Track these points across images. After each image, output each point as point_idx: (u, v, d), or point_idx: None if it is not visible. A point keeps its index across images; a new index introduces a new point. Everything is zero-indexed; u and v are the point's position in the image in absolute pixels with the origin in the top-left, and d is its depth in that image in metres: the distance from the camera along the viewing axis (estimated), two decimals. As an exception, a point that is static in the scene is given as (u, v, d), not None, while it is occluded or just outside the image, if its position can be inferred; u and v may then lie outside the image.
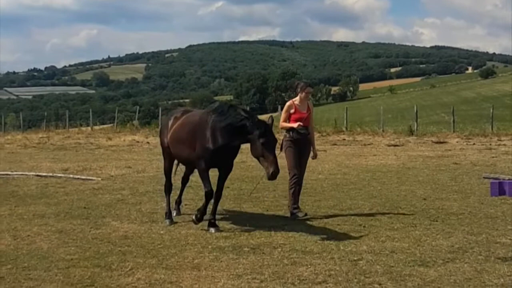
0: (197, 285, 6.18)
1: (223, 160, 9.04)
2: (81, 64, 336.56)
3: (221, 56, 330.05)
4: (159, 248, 7.78)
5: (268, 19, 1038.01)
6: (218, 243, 8.00)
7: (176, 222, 9.55)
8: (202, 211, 9.03)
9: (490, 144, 25.16)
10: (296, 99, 10.25)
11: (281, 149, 10.07)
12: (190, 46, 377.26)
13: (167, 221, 9.49)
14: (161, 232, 8.75)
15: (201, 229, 8.85)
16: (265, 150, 8.40)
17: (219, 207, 9.55)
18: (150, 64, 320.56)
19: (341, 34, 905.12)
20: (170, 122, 9.92)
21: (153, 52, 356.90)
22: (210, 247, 7.78)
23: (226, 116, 8.74)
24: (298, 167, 10.07)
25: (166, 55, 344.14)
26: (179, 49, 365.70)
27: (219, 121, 8.75)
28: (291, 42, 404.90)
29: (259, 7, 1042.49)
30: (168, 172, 10.41)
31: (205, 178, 9.06)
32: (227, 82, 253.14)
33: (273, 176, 8.28)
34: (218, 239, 8.21)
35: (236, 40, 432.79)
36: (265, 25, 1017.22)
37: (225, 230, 8.80)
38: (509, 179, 12.12)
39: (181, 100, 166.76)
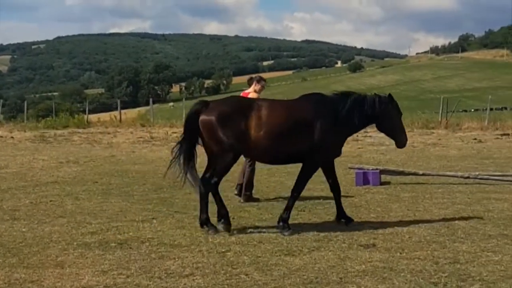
0: (59, 283, 5.95)
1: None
2: None
3: (91, 48, 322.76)
4: (21, 246, 7.44)
5: (138, 11, 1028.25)
6: (84, 239, 7.76)
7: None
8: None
9: (357, 136, 26.01)
10: (251, 91, 10.86)
11: None
12: (58, 37, 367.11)
13: (213, 229, 8.14)
14: (23, 230, 8.37)
15: (66, 226, 8.55)
16: (400, 121, 9.00)
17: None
18: (15, 56, 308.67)
19: (213, 27, 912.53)
20: (246, 116, 8.09)
21: (18, 43, 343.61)
22: (75, 243, 7.53)
23: (356, 100, 8.61)
24: None
25: (33, 47, 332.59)
26: (47, 40, 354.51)
27: (352, 107, 8.52)
28: (163, 35, 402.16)
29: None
30: (226, 172, 8.53)
31: (312, 175, 8.89)
32: (98, 75, 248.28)
33: (405, 144, 8.95)
34: (84, 235, 7.96)
35: (107, 32, 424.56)
36: (136, 17, 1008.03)
37: (92, 226, 8.54)
38: (372, 169, 12.57)
39: (50, 93, 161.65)
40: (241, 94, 10.96)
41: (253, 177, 10.91)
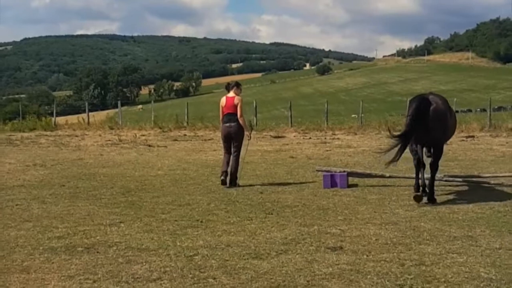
0: (25, 289, 5.90)
1: None
2: None
3: (59, 50, 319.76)
4: (-14, 251, 7.35)
5: (105, 13, 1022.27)
6: (50, 244, 7.69)
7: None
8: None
9: (325, 138, 26.21)
10: (233, 95, 12.82)
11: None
12: (25, 39, 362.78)
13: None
14: (-11, 234, 8.28)
15: (32, 230, 8.47)
16: None
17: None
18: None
19: (181, 30, 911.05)
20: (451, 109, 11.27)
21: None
22: (41, 248, 7.47)
23: None
24: None
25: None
26: (14, 42, 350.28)
27: None
28: (132, 37, 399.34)
29: (96, 0, 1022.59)
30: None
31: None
32: (66, 77, 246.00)
33: None
34: (51, 240, 7.89)
35: (74, 34, 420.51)
36: (103, 19, 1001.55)
37: (58, 230, 8.47)
38: (340, 172, 12.64)
39: (17, 96, 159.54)
40: (224, 98, 12.87)
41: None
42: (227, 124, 12.71)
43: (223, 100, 12.87)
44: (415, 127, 10.19)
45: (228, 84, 13.27)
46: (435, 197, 10.55)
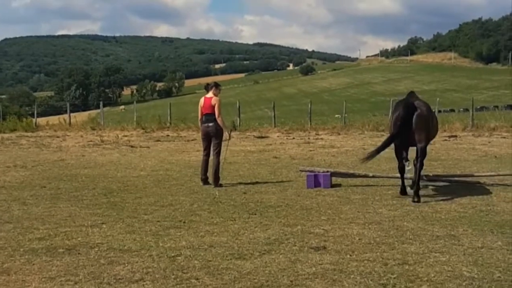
0: (5, 291, 5.82)
1: None
2: None
3: (40, 50, 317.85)
4: (-35, 253, 7.25)
5: (87, 13, 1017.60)
6: (31, 245, 7.60)
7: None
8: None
9: (309, 138, 26.24)
10: (211, 95, 12.98)
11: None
12: (6, 39, 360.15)
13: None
14: (-32, 236, 8.17)
15: (13, 232, 8.37)
16: None
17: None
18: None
19: (163, 30, 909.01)
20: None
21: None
22: (22, 249, 7.37)
23: None
24: None
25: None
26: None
27: None
28: (114, 37, 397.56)
29: (77, 0, 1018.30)
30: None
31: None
32: (48, 78, 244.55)
33: None
34: (31, 241, 7.80)
35: (56, 34, 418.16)
36: (85, 19, 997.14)
37: (39, 232, 8.38)
38: (323, 172, 12.63)
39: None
40: (203, 98, 13.07)
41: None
42: (205, 124, 12.93)
43: (201, 101, 13.07)
44: (401, 133, 10.73)
45: (208, 84, 13.49)
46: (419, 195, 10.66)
